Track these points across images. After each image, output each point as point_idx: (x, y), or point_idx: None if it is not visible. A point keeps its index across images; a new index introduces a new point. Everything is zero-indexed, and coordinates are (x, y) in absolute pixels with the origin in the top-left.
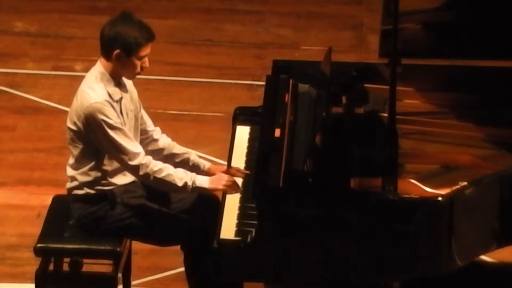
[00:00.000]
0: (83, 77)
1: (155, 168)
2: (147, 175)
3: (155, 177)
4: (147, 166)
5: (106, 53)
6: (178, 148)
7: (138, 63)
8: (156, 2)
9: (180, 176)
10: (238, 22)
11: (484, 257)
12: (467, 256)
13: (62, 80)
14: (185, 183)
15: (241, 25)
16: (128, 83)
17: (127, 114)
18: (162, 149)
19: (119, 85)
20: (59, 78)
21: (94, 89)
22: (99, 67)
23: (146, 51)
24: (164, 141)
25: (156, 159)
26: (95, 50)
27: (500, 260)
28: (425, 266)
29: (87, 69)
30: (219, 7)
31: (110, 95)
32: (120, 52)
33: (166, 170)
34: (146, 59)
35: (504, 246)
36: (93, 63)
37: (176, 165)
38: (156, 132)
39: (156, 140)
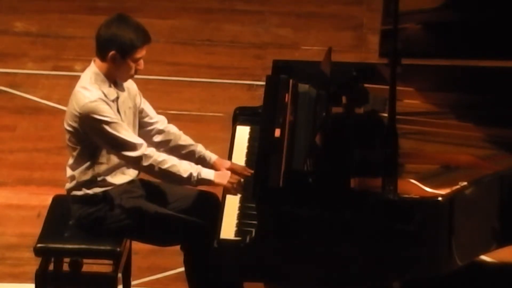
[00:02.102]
0: None
1: (159, 159)
2: (151, 166)
3: (159, 168)
4: (151, 157)
5: (101, 54)
6: (184, 139)
7: (133, 65)
8: (156, 2)
9: (185, 168)
10: (238, 22)
11: (484, 257)
12: (467, 256)
13: (62, 80)
14: (190, 174)
15: (241, 25)
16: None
17: (124, 112)
18: (168, 141)
19: (115, 84)
20: (59, 78)
21: (89, 89)
22: (94, 68)
23: (141, 53)
24: (170, 131)
25: (162, 151)
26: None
27: (500, 260)
28: (425, 266)
29: None
30: (219, 7)
31: (105, 95)
32: (115, 54)
33: (171, 161)
34: (141, 61)
35: (504, 246)
36: None
37: (182, 156)
38: (161, 122)
39: (161, 132)
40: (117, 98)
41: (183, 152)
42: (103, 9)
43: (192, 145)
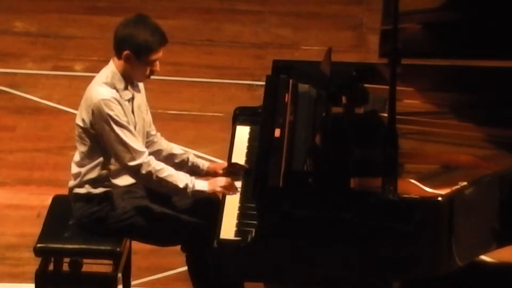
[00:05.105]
0: (83, 77)
1: (158, 167)
2: (149, 173)
3: (157, 176)
4: (150, 165)
5: (118, 53)
6: (176, 149)
7: (148, 66)
8: (156, 2)
9: (181, 178)
10: (238, 22)
11: (484, 257)
12: (467, 256)
13: (62, 80)
14: (186, 185)
15: (241, 25)
16: (141, 84)
17: (137, 114)
18: (161, 150)
19: (132, 85)
20: (59, 78)
21: (104, 86)
22: (112, 66)
23: (157, 55)
24: (163, 143)
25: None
26: (95, 50)
27: (500, 260)
28: (425, 266)
29: (87, 69)
30: (219, 7)
31: (120, 94)
32: (130, 54)
33: (168, 171)
34: (157, 63)
35: (504, 246)
36: (93, 63)
37: (176, 166)
38: (156, 136)
39: (155, 142)
40: (133, 98)
41: (176, 161)
42: (103, 9)
43: (184, 153)
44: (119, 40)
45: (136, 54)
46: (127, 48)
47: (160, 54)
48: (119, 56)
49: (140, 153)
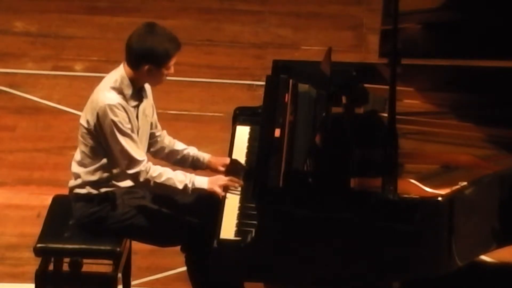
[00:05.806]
0: (83, 77)
1: (155, 174)
2: (147, 181)
3: (155, 183)
4: (147, 172)
5: (134, 65)
6: (178, 145)
7: (166, 72)
8: (156, 2)
9: (180, 179)
10: (238, 22)
11: (484, 257)
12: (467, 256)
13: (62, 80)
14: (185, 185)
15: (241, 25)
16: (148, 87)
17: (142, 119)
18: (163, 148)
19: (139, 90)
20: (59, 78)
21: (111, 91)
22: (122, 71)
23: (174, 60)
24: (165, 140)
25: (159, 158)
26: (95, 50)
27: (500, 260)
28: (425, 266)
29: (87, 69)
30: (219, 7)
31: (126, 100)
32: (151, 67)
33: (166, 174)
34: (172, 67)
35: (504, 246)
36: (93, 63)
37: (177, 162)
38: (160, 136)
39: (158, 141)
40: (138, 105)
41: (178, 157)
42: (103, 9)
43: (186, 149)
44: (138, 54)
45: (157, 64)
46: (148, 63)
47: (176, 58)
48: (134, 68)
49: (139, 162)
